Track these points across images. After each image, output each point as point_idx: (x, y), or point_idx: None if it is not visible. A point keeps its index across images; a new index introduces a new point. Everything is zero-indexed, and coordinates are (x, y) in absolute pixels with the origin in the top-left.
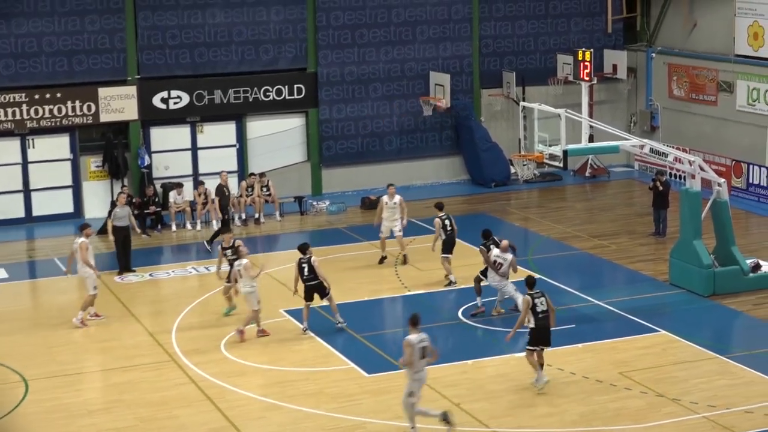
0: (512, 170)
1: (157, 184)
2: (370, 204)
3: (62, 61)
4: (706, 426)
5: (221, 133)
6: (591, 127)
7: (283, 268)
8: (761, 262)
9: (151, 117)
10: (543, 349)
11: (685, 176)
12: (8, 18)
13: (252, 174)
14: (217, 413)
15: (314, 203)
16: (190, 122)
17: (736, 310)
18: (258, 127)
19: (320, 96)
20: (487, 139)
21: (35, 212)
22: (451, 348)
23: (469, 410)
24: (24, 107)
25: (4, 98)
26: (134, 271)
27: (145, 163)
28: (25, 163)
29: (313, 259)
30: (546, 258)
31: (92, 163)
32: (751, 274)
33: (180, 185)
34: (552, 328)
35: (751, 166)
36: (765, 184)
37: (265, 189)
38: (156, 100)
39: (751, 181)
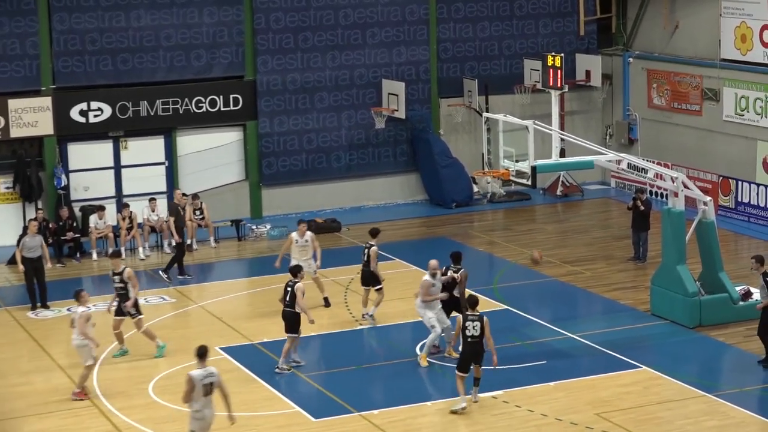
0: (475, 189)
1: (76, 207)
2: (316, 228)
3: None
4: None
5: (148, 149)
6: (562, 140)
7: (218, 301)
8: (752, 290)
9: (68, 132)
10: (479, 367)
11: (667, 194)
12: None
13: (183, 195)
14: None
15: (253, 227)
16: (112, 137)
17: (724, 343)
18: (189, 142)
19: (259, 107)
20: (447, 154)
21: None
22: (410, 388)
23: None
24: None
25: None
26: (49, 306)
27: (62, 184)
28: None
29: (297, 285)
30: (513, 286)
31: (1, 184)
32: (741, 303)
33: (101, 208)
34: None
35: (740, 183)
36: (755, 203)
37: (198, 212)
38: (74, 113)
39: (740, 199)
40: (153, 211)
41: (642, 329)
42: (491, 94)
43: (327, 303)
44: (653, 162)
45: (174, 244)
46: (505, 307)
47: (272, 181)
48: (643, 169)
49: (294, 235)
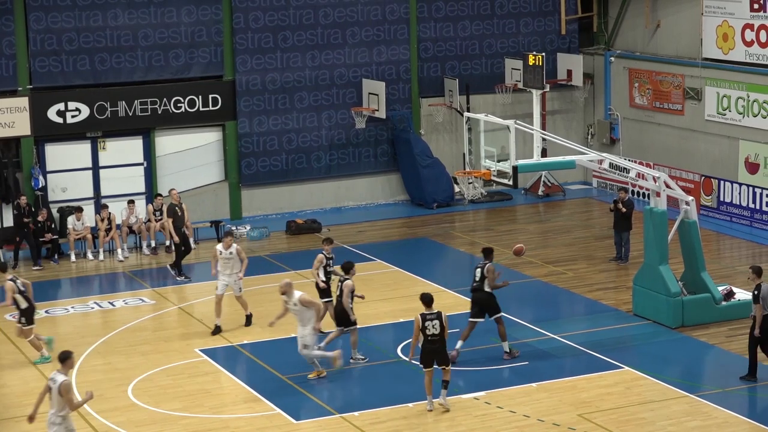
0: (456, 189)
1: (54, 209)
2: (297, 228)
3: None
4: None
5: (126, 149)
6: (544, 140)
7: (198, 302)
8: (734, 290)
9: (45, 132)
10: (446, 368)
11: (649, 194)
12: None
13: (159, 195)
14: None
15: (233, 228)
16: (90, 138)
17: (707, 343)
18: (168, 142)
19: (239, 107)
20: (428, 154)
21: None
22: (392, 389)
23: None
24: None
25: None
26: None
27: (40, 185)
28: None
29: (346, 282)
30: None
31: None
32: (723, 303)
33: (80, 209)
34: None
35: (722, 183)
36: (738, 203)
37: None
38: (51, 113)
39: (722, 198)
40: (132, 213)
41: (624, 330)
42: (472, 94)
43: (248, 321)
44: (635, 162)
45: (172, 245)
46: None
47: (252, 182)
48: (625, 168)
49: (219, 246)
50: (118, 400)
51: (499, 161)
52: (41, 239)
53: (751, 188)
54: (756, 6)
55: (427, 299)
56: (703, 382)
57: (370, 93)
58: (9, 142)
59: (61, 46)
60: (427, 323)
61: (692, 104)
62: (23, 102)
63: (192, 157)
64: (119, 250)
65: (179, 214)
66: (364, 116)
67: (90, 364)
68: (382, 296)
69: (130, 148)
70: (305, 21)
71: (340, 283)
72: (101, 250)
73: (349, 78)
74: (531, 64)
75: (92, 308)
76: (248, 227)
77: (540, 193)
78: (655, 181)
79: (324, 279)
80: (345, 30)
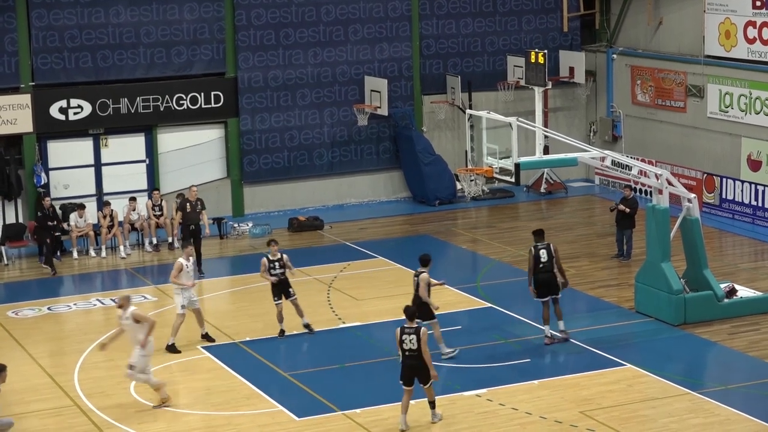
0: (458, 186)
1: (56, 205)
2: (299, 225)
3: None
4: None
5: (128, 146)
6: (546, 137)
7: (200, 299)
8: (737, 287)
9: (48, 129)
10: (429, 386)
11: (651, 191)
12: None
13: (156, 190)
14: None
15: (235, 225)
16: (92, 135)
17: (709, 341)
18: (170, 139)
19: (241, 104)
20: (430, 151)
21: None
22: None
23: None
24: None
25: None
26: None
27: (42, 182)
28: None
29: (422, 276)
30: (497, 284)
31: None
32: (725, 300)
33: (82, 206)
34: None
35: (724, 180)
36: (740, 200)
37: (156, 207)
38: (53, 110)
39: (724, 196)
40: (134, 210)
41: (626, 327)
42: (474, 91)
43: (208, 338)
44: (637, 159)
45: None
46: (489, 305)
47: (254, 179)
48: (627, 166)
49: (181, 260)
50: (121, 397)
51: (501, 158)
52: (50, 223)
53: (753, 185)
54: (758, 3)
55: (409, 312)
56: (705, 379)
57: (372, 90)
58: (11, 139)
59: (64, 43)
60: (404, 337)
61: (694, 101)
62: (25, 99)
63: (194, 154)
64: (121, 247)
65: (188, 210)
66: (366, 113)
67: (92, 361)
68: (383, 293)
69: (133, 145)
70: (307, 18)
71: (416, 277)
72: (103, 247)
73: (351, 75)
74: (533, 61)
75: (94, 305)
76: (250, 224)
77: (542, 190)
78: (658, 179)
79: (276, 275)
80: (347, 27)
